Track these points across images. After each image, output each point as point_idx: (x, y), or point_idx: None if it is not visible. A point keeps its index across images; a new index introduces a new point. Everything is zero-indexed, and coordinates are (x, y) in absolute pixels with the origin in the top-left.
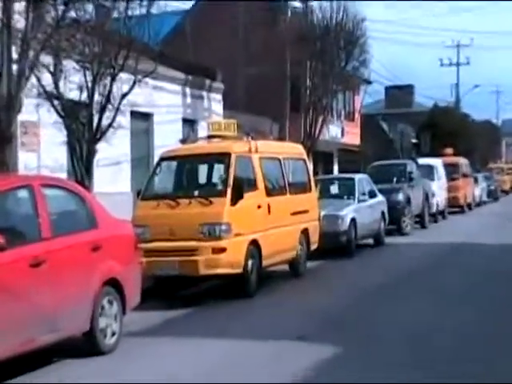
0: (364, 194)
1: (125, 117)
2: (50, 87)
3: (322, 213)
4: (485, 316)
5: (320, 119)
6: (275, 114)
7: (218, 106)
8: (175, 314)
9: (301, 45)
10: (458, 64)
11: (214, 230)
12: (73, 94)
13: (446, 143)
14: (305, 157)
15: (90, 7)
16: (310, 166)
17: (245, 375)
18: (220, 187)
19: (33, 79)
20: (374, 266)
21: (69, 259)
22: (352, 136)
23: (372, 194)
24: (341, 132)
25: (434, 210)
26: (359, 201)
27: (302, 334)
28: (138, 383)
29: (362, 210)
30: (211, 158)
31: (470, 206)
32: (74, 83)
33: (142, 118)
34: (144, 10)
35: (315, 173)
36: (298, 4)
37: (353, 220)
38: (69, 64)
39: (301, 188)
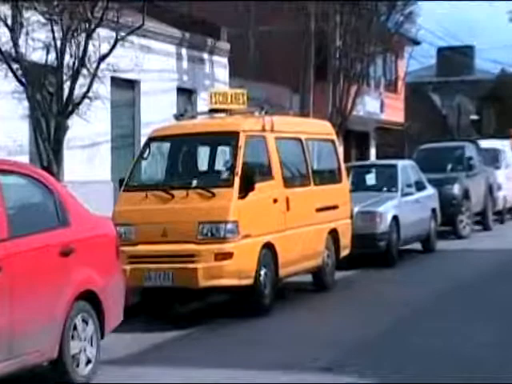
0: (409, 185)
1: (104, 85)
2: (7, 46)
3: (355, 209)
4: None
5: (353, 90)
6: (296, 83)
7: (222, 73)
8: (167, 337)
9: None
10: None
11: (217, 229)
12: (37, 56)
13: None
14: (334, 137)
15: None
16: (341, 149)
17: None
18: (225, 175)
19: None
20: (420, 279)
21: (31, 266)
22: (394, 111)
23: (420, 186)
24: (380, 106)
25: (499, 206)
26: (403, 194)
27: (327, 366)
28: None
29: (407, 205)
30: (214, 139)
31: None
32: (38, 41)
33: (126, 87)
34: None
35: (347, 158)
36: None
37: (395, 219)
38: (32, 16)
39: (328, 177)
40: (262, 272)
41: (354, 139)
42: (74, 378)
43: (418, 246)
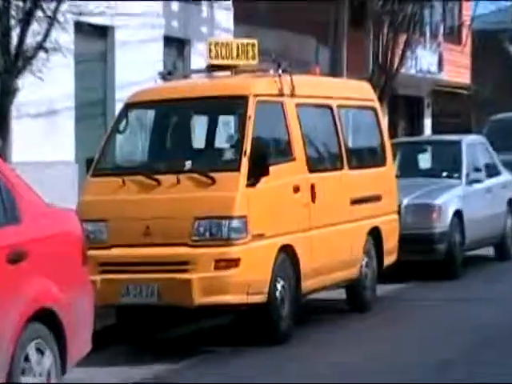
0: (477, 169)
1: (66, 32)
2: None
3: (404, 201)
4: None
5: (401, 40)
6: (323, 32)
7: (225, 17)
8: (150, 371)
9: None
10: None
11: (218, 228)
12: None
13: None
14: (376, 104)
15: None
16: (385, 121)
17: None
18: (229, 155)
19: None
20: (492, 296)
21: None
22: (457, 69)
23: (492, 171)
24: (437, 62)
25: None
26: (469, 181)
27: None
28: None
29: (475, 197)
30: (214, 105)
31: None
32: None
33: (96, 36)
34: None
35: (393, 132)
36: None
37: (457, 214)
38: None
39: (368, 158)
40: (279, 285)
41: (403, 107)
42: None
43: (489, 251)
